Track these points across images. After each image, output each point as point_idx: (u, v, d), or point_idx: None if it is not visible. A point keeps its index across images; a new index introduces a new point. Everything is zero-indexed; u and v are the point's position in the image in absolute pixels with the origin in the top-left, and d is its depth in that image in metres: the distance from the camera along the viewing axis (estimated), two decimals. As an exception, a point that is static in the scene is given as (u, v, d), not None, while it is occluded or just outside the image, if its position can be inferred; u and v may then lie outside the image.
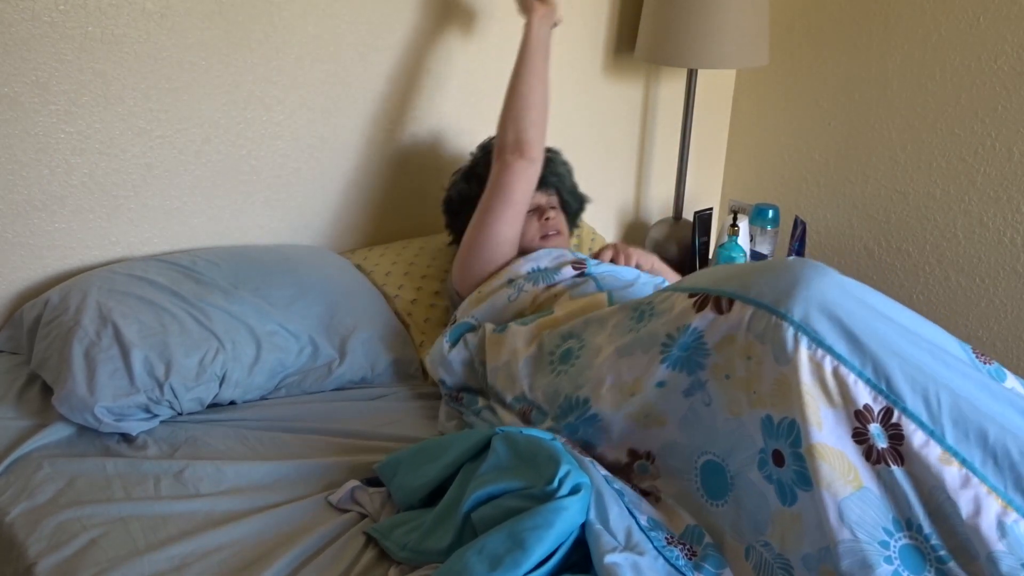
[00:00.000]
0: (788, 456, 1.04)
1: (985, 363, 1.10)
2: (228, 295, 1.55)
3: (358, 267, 1.85)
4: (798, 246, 2.16)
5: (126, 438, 1.38)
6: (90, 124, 1.58)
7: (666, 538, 1.09)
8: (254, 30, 1.70)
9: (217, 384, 1.45)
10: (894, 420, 1.00)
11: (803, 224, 2.16)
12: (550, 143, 2.36)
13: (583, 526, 1.04)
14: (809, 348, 1.04)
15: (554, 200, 1.80)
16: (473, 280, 1.65)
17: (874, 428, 1.01)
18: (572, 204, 1.87)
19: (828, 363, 1.03)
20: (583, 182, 2.58)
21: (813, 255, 2.41)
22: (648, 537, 1.07)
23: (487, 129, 2.12)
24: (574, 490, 1.03)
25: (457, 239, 1.80)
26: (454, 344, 1.53)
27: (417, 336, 1.73)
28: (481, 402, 1.46)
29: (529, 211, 1.71)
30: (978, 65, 2.02)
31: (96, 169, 1.61)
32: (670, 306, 1.22)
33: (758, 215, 2.24)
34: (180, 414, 1.44)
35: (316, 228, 1.92)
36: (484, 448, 1.15)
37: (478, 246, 1.63)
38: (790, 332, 1.05)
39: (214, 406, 1.48)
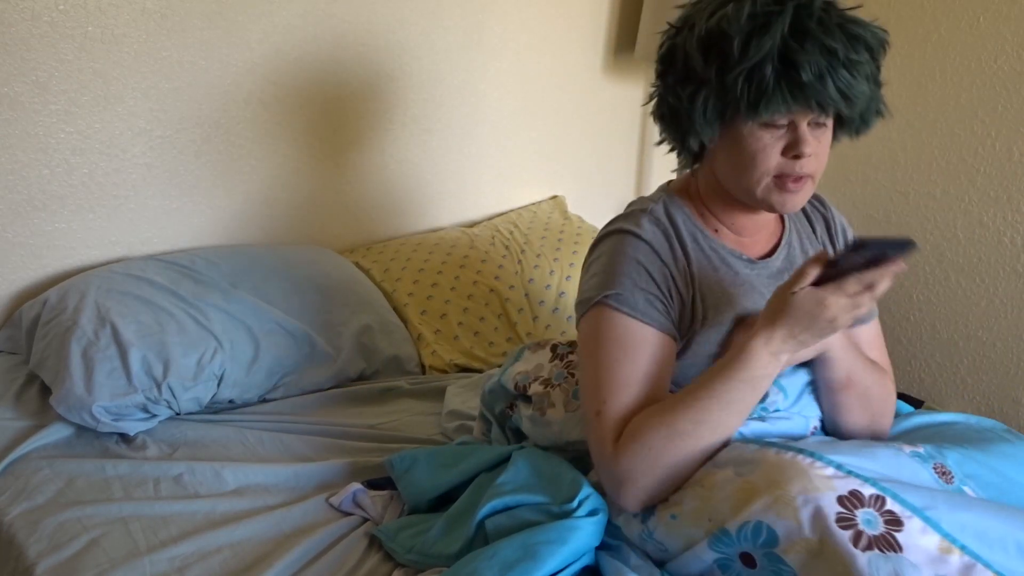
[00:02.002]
0: (760, 557, 0.92)
1: (947, 483, 1.02)
2: (226, 295, 1.55)
3: (356, 264, 1.85)
4: (798, 246, 2.16)
5: (125, 439, 1.37)
6: (90, 124, 1.58)
7: None
8: (254, 30, 1.70)
9: (215, 384, 1.45)
10: (888, 507, 0.89)
11: (803, 224, 2.16)
12: (547, 141, 2.36)
13: (596, 557, 1.03)
14: (779, 452, 0.95)
15: (823, 119, 1.03)
16: None
17: (863, 514, 0.89)
18: (857, 124, 1.08)
19: (803, 458, 0.93)
20: (582, 182, 2.56)
21: (813, 255, 2.41)
22: None
23: (485, 129, 2.12)
24: (591, 513, 1.02)
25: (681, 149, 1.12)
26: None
27: (415, 330, 1.73)
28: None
29: (770, 125, 1.01)
30: (978, 65, 2.02)
31: (96, 169, 1.61)
32: None
33: (758, 215, 2.24)
34: (178, 414, 1.44)
35: (315, 227, 1.92)
36: (503, 461, 1.15)
37: None
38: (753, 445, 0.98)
39: (213, 407, 1.48)
